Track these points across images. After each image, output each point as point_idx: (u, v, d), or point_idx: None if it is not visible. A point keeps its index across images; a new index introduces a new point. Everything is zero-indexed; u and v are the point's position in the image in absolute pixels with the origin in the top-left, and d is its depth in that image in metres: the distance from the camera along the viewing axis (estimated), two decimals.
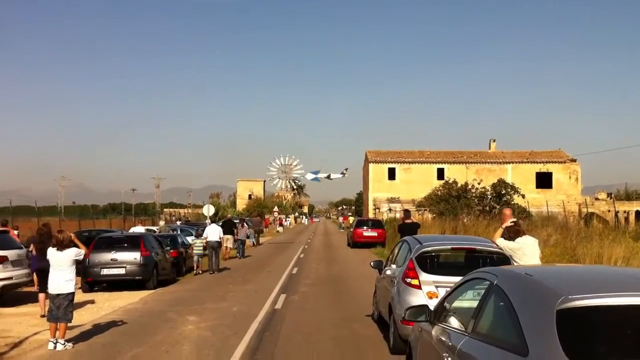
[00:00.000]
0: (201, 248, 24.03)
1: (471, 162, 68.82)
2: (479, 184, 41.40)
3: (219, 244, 25.37)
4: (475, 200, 40.39)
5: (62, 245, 10.64)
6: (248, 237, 35.29)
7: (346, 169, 44.28)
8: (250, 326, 12.00)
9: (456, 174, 54.93)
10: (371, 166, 70.85)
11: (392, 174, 70.28)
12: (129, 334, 11.66)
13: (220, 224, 28.76)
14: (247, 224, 35.45)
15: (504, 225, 10.33)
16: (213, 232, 24.80)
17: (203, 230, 25.92)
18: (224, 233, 27.78)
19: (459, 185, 42.31)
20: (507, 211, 11.25)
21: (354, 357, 9.64)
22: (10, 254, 15.22)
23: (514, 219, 10.59)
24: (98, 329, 12.05)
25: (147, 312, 14.34)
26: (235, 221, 34.79)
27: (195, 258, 23.94)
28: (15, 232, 20.59)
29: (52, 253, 10.70)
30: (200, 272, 23.69)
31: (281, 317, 13.30)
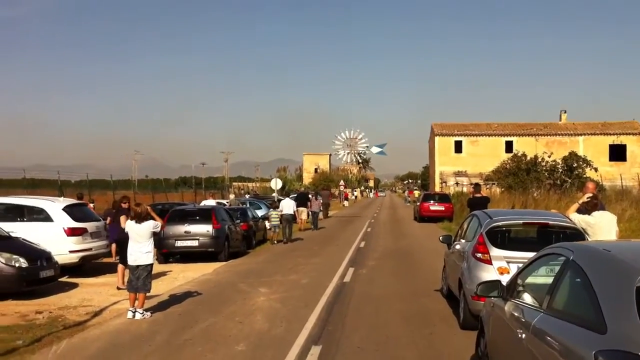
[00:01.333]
0: (277, 219, 25.66)
1: (541, 135, 67.24)
2: (549, 157, 40.46)
3: (293, 216, 27.09)
4: (546, 174, 39.53)
5: (140, 218, 11.01)
6: (320, 210, 36.32)
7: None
8: (320, 298, 12.21)
9: (525, 146, 53.72)
10: (437, 139, 70.11)
11: (458, 147, 69.44)
12: (203, 304, 12.05)
13: (295, 197, 30.49)
14: (320, 197, 36.41)
15: (582, 199, 10.12)
16: (287, 205, 26.74)
17: (279, 203, 27.99)
18: (298, 206, 29.78)
19: (529, 158, 41.45)
20: (591, 184, 11.01)
21: (423, 331, 9.70)
22: (89, 226, 15.83)
23: (593, 193, 10.35)
24: (174, 299, 12.49)
25: (220, 284, 14.76)
26: (309, 195, 36.27)
27: (272, 229, 25.70)
28: (91, 205, 21.36)
29: (130, 225, 11.08)
30: (276, 242, 25.20)
31: (350, 290, 13.47)
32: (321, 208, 36.97)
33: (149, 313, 10.84)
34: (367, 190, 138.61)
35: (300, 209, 31.45)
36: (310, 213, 33.64)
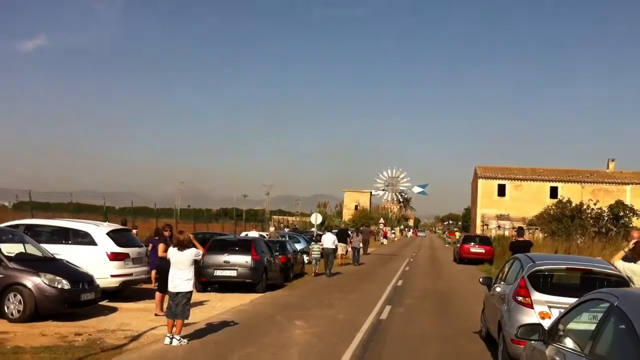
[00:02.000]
0: (318, 253, 26.55)
1: (587, 182, 66.19)
2: (595, 204, 39.75)
3: (334, 250, 27.85)
4: (591, 221, 38.76)
5: (182, 246, 11.14)
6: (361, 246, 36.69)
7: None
8: (355, 335, 12.13)
9: (570, 193, 52.92)
10: (480, 182, 69.55)
11: (502, 191, 68.76)
12: (239, 334, 12.07)
13: (336, 232, 31.33)
14: (361, 234, 37.02)
15: (628, 247, 9.92)
16: (329, 240, 27.59)
17: (320, 237, 28.81)
18: (339, 241, 30.62)
19: (574, 205, 40.79)
20: (636, 233, 10.81)
21: None
22: (131, 251, 16.06)
23: (639, 240, 10.15)
24: (211, 327, 12.54)
25: (256, 315, 14.78)
26: (349, 231, 37.27)
27: (313, 262, 26.47)
28: (135, 231, 21.70)
29: (172, 252, 11.21)
30: (314, 274, 25.94)
31: (386, 328, 13.35)
32: (361, 244, 37.13)
33: (185, 340, 10.90)
34: (406, 229, 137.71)
35: (340, 244, 32.14)
36: (351, 249, 34.19)
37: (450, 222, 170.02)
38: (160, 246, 14.27)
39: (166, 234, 14.83)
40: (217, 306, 15.88)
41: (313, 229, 39.53)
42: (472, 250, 38.39)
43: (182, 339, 10.84)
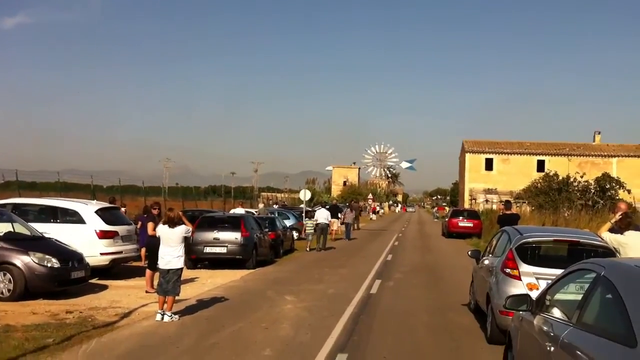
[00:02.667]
0: (312, 228, 27.48)
1: (574, 155, 66.57)
2: (581, 177, 40.01)
3: (327, 225, 28.40)
4: (578, 194, 39.03)
5: (172, 223, 11.16)
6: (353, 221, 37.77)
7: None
8: (346, 309, 12.23)
9: (557, 166, 53.15)
10: (468, 156, 69.77)
11: (489, 165, 69.05)
12: (230, 309, 12.14)
13: (328, 207, 31.65)
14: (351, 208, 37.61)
15: (614, 219, 10.01)
16: (322, 215, 28.13)
17: (314, 213, 29.80)
18: (331, 217, 31.07)
19: (560, 178, 41.02)
20: (623, 204, 10.87)
21: (449, 345, 9.67)
22: (120, 229, 16.06)
23: (626, 212, 10.22)
24: (202, 303, 12.59)
25: (247, 290, 14.85)
26: (340, 206, 39.07)
27: (309, 236, 27.35)
28: (123, 209, 21.65)
29: (162, 230, 11.23)
30: (308, 249, 26.51)
31: (376, 301, 13.47)
32: (354, 220, 38.11)
33: (177, 316, 10.95)
34: (394, 204, 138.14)
35: (332, 219, 32.82)
36: (344, 224, 35.07)
37: (439, 196, 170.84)
38: (150, 224, 14.27)
39: (155, 212, 14.83)
40: (207, 283, 15.94)
41: (302, 206, 39.56)
42: (461, 224, 38.59)
43: (173, 315, 10.89)
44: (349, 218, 35.14)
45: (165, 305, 10.88)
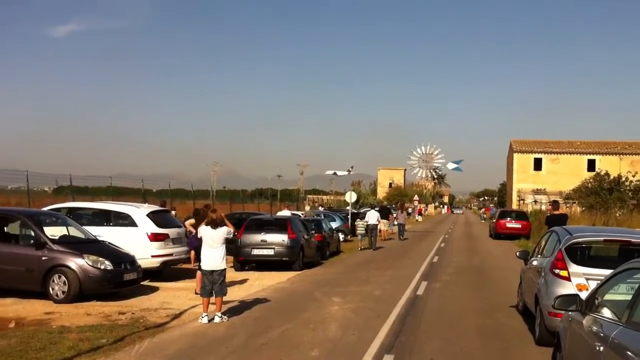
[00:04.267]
0: (363, 229, 28.54)
1: (625, 154, 65.05)
2: (633, 176, 39.14)
3: (376, 226, 29.52)
4: (630, 193, 38.23)
5: (215, 224, 11.30)
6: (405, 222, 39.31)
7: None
8: (392, 310, 12.24)
9: (608, 165, 52.10)
10: (516, 156, 68.82)
11: (538, 165, 67.98)
12: (278, 310, 12.28)
13: (377, 209, 32.92)
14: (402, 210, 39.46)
15: None
16: (372, 217, 29.12)
17: (365, 215, 31.00)
18: (381, 218, 32.97)
19: (612, 177, 40.20)
20: None
21: (497, 346, 9.61)
22: (171, 232, 16.36)
23: None
24: (250, 304, 12.77)
25: (294, 292, 14.99)
26: (390, 207, 41.32)
27: (359, 237, 28.68)
28: (173, 212, 22.05)
29: (205, 231, 11.33)
30: (360, 249, 27.88)
31: (423, 303, 13.44)
32: (406, 221, 40.20)
33: (226, 317, 11.13)
34: (441, 206, 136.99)
35: (383, 220, 34.86)
36: (397, 225, 37.10)
37: (486, 197, 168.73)
38: (189, 221, 14.50)
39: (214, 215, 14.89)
40: (255, 284, 16.13)
41: (348, 208, 39.62)
42: (508, 225, 38.12)
43: (222, 315, 11.06)
44: (401, 219, 36.94)
45: (211, 307, 11.06)
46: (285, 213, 29.12)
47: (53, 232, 13.76)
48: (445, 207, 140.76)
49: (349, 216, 36.04)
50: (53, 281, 12.62)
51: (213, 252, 11.23)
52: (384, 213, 36.76)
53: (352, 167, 46.52)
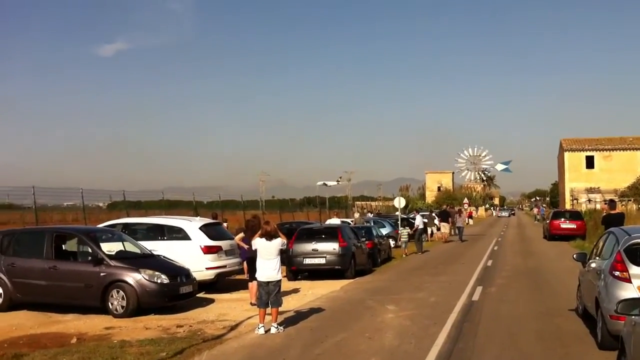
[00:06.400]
0: (407, 236, 28.89)
1: None
2: None
3: (424, 230, 31.56)
4: None
5: (270, 236, 11.37)
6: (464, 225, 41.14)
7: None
8: (448, 317, 12.12)
9: None
10: (566, 155, 67.54)
11: (590, 163, 66.54)
12: (333, 319, 12.30)
13: (438, 213, 36.91)
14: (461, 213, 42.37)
15: None
16: (418, 221, 31.05)
17: (414, 219, 32.82)
18: (442, 221, 38.13)
19: None
20: None
21: (559, 351, 9.43)
22: (224, 244, 16.56)
23: None
24: (304, 314, 12.81)
25: (348, 300, 14.99)
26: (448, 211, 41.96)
27: (403, 245, 28.69)
28: (224, 224, 22.30)
29: (260, 243, 11.39)
30: (404, 255, 27.94)
31: (479, 308, 13.28)
32: (466, 223, 43.24)
33: (282, 327, 11.19)
34: (491, 208, 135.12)
35: (444, 223, 38.08)
36: (457, 228, 38.71)
37: (537, 198, 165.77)
38: (239, 236, 14.66)
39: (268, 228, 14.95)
40: (308, 294, 16.18)
41: (397, 213, 39.42)
42: (563, 226, 37.38)
43: (279, 326, 11.13)
44: (460, 222, 38.69)
45: (269, 317, 11.13)
46: (335, 221, 29.18)
47: (110, 248, 14.10)
48: (497, 208, 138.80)
49: (399, 222, 35.85)
50: (112, 296, 12.89)
51: (268, 264, 11.25)
52: (445, 216, 38.93)
53: (340, 178, 47.04)
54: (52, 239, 13.88)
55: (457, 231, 38.75)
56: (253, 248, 11.72)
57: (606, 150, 66.18)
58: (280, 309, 11.60)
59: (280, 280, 11.40)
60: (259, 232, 11.64)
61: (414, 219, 33.06)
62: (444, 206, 47.82)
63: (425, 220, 33.96)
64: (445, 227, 38.54)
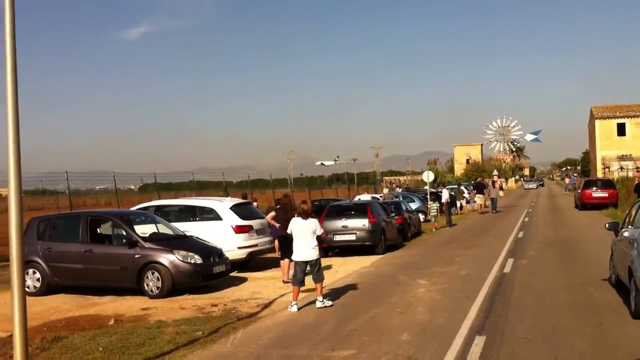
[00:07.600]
0: (435, 210, 29.34)
1: None
2: None
3: (452, 204, 31.83)
4: None
5: (306, 214, 11.43)
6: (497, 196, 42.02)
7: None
8: (480, 290, 12.14)
9: None
10: (598, 122, 66.45)
11: (621, 130, 65.38)
12: (365, 295, 12.40)
13: (473, 185, 37.05)
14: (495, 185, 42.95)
15: None
16: (445, 195, 30.99)
17: (442, 194, 32.68)
18: (477, 193, 39.17)
19: None
20: None
21: (592, 321, 9.40)
22: (255, 223, 16.72)
23: None
24: (336, 291, 12.92)
25: (379, 276, 15.08)
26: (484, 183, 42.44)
27: (432, 219, 29.13)
28: (255, 203, 22.47)
29: (296, 222, 11.45)
30: (434, 229, 27.99)
31: (511, 281, 13.27)
32: (499, 195, 43.33)
33: (328, 300, 11.33)
34: (522, 179, 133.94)
35: (478, 195, 38.99)
36: (491, 199, 39.19)
37: (568, 167, 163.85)
38: (270, 214, 14.84)
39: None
40: (340, 270, 16.31)
41: (426, 187, 39.39)
42: (595, 195, 36.99)
43: (324, 299, 11.27)
44: (494, 193, 39.57)
45: (302, 295, 11.28)
46: (364, 197, 29.24)
47: (143, 230, 14.34)
48: (523, 179, 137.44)
49: (428, 196, 35.74)
50: (147, 277, 13.14)
51: (305, 243, 11.29)
52: (480, 188, 39.58)
53: (338, 157, 46.79)
54: (87, 223, 14.15)
55: (491, 202, 39.18)
56: (288, 231, 11.76)
57: (638, 116, 64.98)
58: (323, 284, 11.63)
59: (318, 259, 11.41)
60: (296, 211, 11.68)
61: (441, 192, 33.29)
62: (479, 178, 47.63)
63: (453, 194, 34.29)
64: (480, 199, 39.01)
